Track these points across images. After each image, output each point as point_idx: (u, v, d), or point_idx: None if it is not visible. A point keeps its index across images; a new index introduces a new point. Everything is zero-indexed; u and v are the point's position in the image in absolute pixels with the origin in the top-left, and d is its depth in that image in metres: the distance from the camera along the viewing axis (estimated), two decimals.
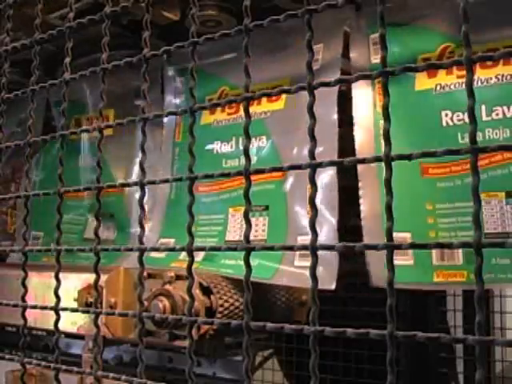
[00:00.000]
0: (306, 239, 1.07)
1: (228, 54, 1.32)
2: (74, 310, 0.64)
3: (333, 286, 1.00)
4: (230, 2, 1.24)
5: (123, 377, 0.54)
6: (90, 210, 1.46)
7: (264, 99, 1.23)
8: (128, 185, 0.64)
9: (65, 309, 0.62)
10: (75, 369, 0.59)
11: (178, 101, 1.43)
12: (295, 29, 1.16)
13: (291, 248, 0.47)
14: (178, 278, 1.11)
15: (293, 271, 1.08)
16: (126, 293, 1.18)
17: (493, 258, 0.93)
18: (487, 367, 1.76)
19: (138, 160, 0.62)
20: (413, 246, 0.41)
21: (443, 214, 1.02)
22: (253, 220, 1.14)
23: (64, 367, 0.59)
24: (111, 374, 0.55)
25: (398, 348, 0.41)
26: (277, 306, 1.24)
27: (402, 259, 0.99)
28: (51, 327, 0.62)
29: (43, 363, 0.63)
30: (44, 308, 0.66)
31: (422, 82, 1.08)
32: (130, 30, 1.35)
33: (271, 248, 0.48)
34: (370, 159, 0.44)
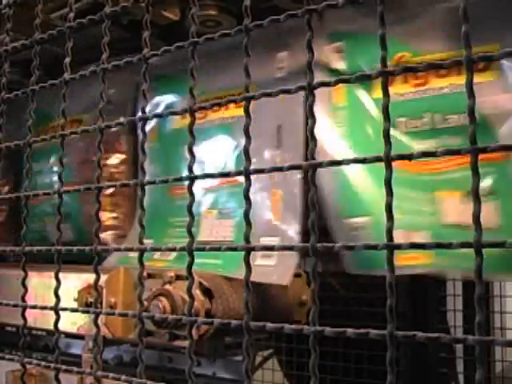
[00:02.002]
0: (267, 240, 1.12)
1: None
2: (73, 310, 0.64)
3: (285, 282, 1.08)
4: (230, 2, 1.24)
5: (123, 377, 0.54)
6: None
7: (232, 105, 1.26)
8: (128, 185, 0.64)
9: (65, 309, 0.62)
10: (75, 369, 0.59)
11: (149, 107, 1.46)
12: (258, 37, 1.19)
13: (291, 248, 0.47)
14: (178, 278, 1.11)
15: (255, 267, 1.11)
16: (125, 293, 1.18)
17: None
18: (487, 367, 1.76)
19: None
20: (412, 245, 0.41)
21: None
22: (221, 221, 1.21)
23: (64, 367, 0.59)
24: (111, 374, 0.55)
25: (397, 348, 0.41)
26: (277, 306, 1.24)
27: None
28: (51, 327, 0.62)
29: (43, 363, 0.63)
30: (44, 308, 0.66)
31: (380, 90, 1.10)
32: (130, 31, 1.36)
33: (271, 248, 0.48)
34: (370, 159, 0.44)
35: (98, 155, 0.61)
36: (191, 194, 0.52)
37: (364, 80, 0.45)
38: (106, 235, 1.44)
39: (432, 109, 1.08)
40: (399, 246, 0.41)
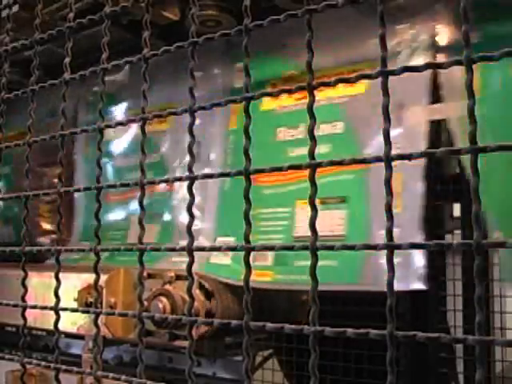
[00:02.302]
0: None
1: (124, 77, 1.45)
2: (74, 310, 0.63)
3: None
4: (230, 2, 1.24)
5: (123, 377, 0.53)
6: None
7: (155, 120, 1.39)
8: (128, 185, 0.64)
9: (65, 309, 0.62)
10: (75, 369, 0.59)
11: (91, 117, 1.56)
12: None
13: (291, 248, 0.47)
14: (178, 278, 1.11)
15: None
16: (125, 293, 1.18)
17: (296, 261, 1.05)
18: (487, 367, 1.76)
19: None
20: (412, 246, 0.41)
21: (264, 218, 1.14)
22: (147, 226, 1.31)
23: (64, 367, 0.59)
24: (111, 374, 0.55)
25: (397, 348, 0.41)
26: (277, 306, 1.24)
27: (224, 259, 1.12)
28: (51, 327, 0.62)
29: (43, 363, 0.63)
30: (44, 308, 0.66)
31: (268, 103, 1.20)
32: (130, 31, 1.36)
33: (271, 248, 0.48)
34: (370, 159, 0.44)
35: (98, 154, 0.61)
36: (191, 194, 0.52)
37: (364, 79, 0.45)
38: (45, 239, 1.65)
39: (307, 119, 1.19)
40: (399, 246, 0.41)
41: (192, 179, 0.52)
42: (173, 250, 0.55)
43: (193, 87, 0.53)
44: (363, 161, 0.45)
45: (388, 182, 0.42)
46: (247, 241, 0.48)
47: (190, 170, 0.52)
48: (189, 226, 0.52)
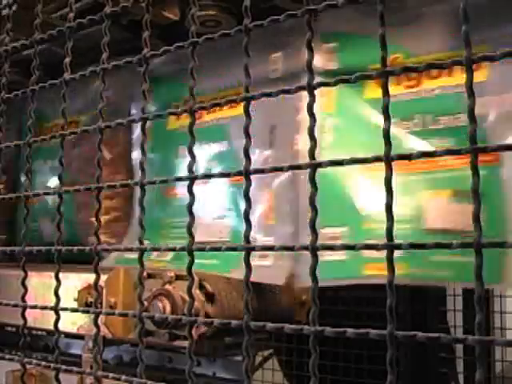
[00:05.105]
0: (266, 240, 1.18)
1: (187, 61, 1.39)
2: (74, 310, 0.64)
3: (281, 282, 1.08)
4: (230, 2, 1.24)
5: (123, 377, 0.53)
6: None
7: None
8: (128, 185, 0.64)
9: (65, 309, 0.62)
10: (75, 369, 0.59)
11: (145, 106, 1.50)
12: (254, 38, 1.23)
13: (291, 248, 0.47)
14: (178, 278, 1.11)
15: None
16: (125, 293, 1.18)
17: (430, 256, 0.97)
18: (487, 367, 1.76)
19: None
20: (412, 245, 0.41)
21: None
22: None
23: (64, 367, 0.59)
24: (111, 374, 0.55)
25: (397, 348, 0.41)
26: (277, 306, 1.24)
27: (336, 254, 1.03)
28: (51, 327, 0.62)
29: (43, 363, 0.63)
30: (44, 308, 0.66)
31: (372, 90, 1.12)
32: (130, 31, 1.36)
33: (271, 248, 0.48)
34: (370, 159, 0.44)
35: (99, 155, 0.61)
36: (191, 193, 0.52)
37: (364, 80, 0.45)
38: None
39: (423, 110, 1.10)
40: (399, 246, 0.41)
41: (192, 179, 0.52)
42: (173, 250, 0.55)
43: (193, 87, 0.53)
44: (364, 160, 0.45)
45: (388, 182, 0.42)
46: (247, 241, 0.48)
47: (189, 170, 0.52)
48: (189, 226, 0.52)
